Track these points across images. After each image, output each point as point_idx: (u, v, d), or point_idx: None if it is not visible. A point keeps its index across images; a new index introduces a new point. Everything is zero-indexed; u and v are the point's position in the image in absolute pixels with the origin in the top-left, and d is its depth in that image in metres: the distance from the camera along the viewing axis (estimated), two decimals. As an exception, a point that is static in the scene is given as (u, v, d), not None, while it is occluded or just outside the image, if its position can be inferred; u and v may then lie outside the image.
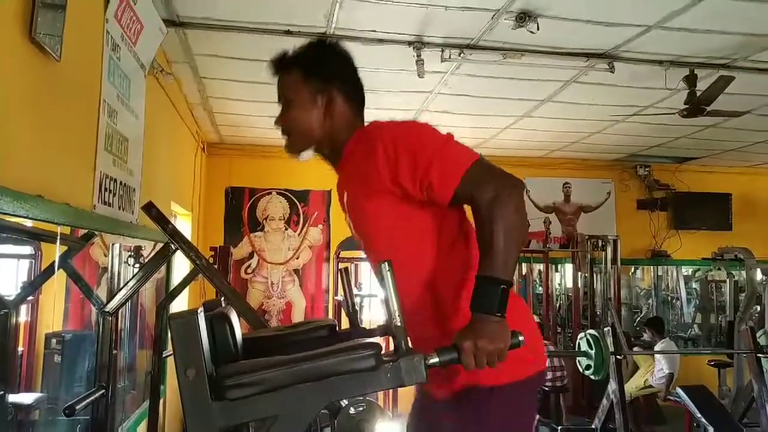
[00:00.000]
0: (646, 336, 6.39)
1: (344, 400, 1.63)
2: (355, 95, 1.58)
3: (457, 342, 1.21)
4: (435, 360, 1.18)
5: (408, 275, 1.37)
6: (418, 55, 3.67)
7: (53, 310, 2.82)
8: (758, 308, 6.70)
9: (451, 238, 1.45)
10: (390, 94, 4.64)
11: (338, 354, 1.12)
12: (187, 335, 1.06)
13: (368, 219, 1.48)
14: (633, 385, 6.01)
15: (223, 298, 2.06)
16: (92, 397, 2.28)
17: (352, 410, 1.57)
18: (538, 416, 5.85)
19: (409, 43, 3.64)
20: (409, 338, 1.17)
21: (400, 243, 1.44)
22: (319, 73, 1.53)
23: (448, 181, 1.34)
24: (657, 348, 6.05)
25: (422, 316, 1.42)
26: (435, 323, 1.43)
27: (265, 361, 1.12)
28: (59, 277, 2.63)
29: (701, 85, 4.05)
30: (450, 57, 3.76)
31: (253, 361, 1.13)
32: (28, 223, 1.97)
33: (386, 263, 1.15)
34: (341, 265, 6.04)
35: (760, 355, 4.50)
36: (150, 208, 2.37)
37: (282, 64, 1.57)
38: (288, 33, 3.50)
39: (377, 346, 1.14)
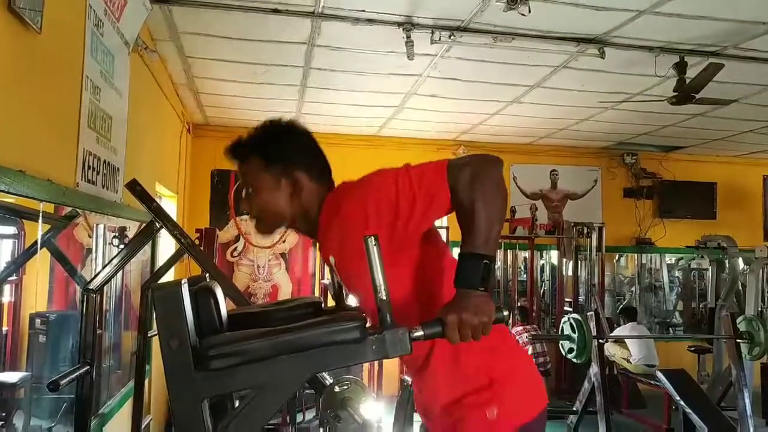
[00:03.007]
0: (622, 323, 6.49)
1: (329, 378, 1.63)
2: (319, 170, 1.54)
3: (442, 316, 1.21)
4: (419, 333, 1.18)
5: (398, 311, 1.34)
6: (408, 37, 3.64)
7: (37, 291, 2.80)
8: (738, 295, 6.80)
9: (441, 268, 1.44)
10: (378, 77, 4.61)
11: (323, 326, 1.11)
12: (170, 306, 1.05)
13: (360, 279, 1.37)
14: (619, 355, 6.12)
15: (208, 276, 2.05)
16: (76, 373, 2.27)
17: (337, 388, 1.56)
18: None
19: (399, 24, 3.61)
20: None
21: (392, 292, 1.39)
22: (279, 157, 1.50)
23: (440, 189, 1.32)
24: (621, 331, 6.13)
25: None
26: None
27: (249, 333, 1.11)
28: (43, 258, 2.61)
29: (691, 73, 4.07)
30: (440, 39, 3.73)
31: (237, 333, 1.13)
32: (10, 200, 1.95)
33: (372, 237, 1.15)
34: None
35: (739, 340, 4.58)
36: (134, 186, 2.36)
37: (240, 153, 1.55)
38: (275, 11, 3.46)
39: (362, 318, 1.14)
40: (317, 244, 1.62)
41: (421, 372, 1.48)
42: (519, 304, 6.72)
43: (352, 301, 1.59)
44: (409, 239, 1.39)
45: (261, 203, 1.51)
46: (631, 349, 6.00)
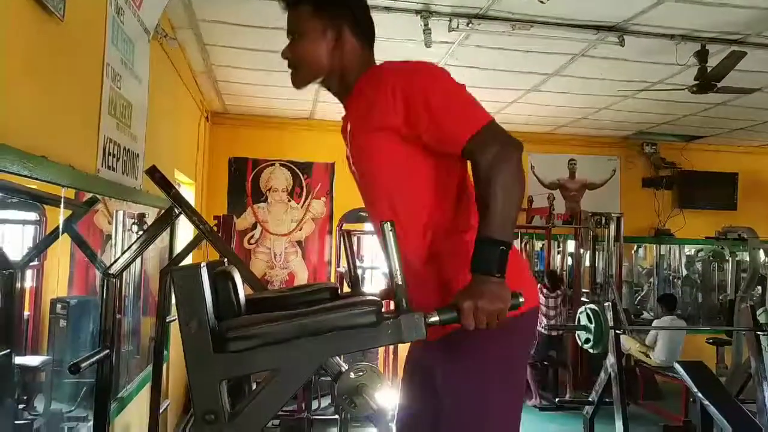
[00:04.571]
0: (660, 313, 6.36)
1: (344, 365, 1.64)
2: (365, 32, 1.57)
3: (457, 302, 1.21)
4: (435, 319, 1.19)
5: (405, 220, 1.40)
6: (426, 25, 3.63)
7: (58, 276, 2.85)
8: (759, 288, 6.70)
9: (451, 192, 1.45)
10: (396, 65, 4.58)
11: (340, 309, 1.12)
12: (190, 288, 1.06)
13: (368, 153, 1.48)
14: (635, 348, 6.07)
15: (226, 261, 2.07)
16: (96, 357, 2.31)
17: (352, 375, 1.57)
18: (539, 391, 5.95)
19: (417, 12, 3.59)
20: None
21: (398, 184, 1.44)
22: (329, 6, 1.52)
23: (462, 132, 1.34)
24: (655, 324, 6.07)
25: (416, 267, 1.42)
26: (431, 276, 1.43)
27: (267, 316, 1.12)
28: (63, 243, 2.65)
29: (712, 61, 4.00)
30: (458, 27, 3.71)
31: (255, 316, 1.14)
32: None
33: (388, 223, 1.15)
34: (344, 227, 6.02)
35: (759, 332, 4.52)
36: (153, 172, 2.38)
37: None
38: (294, -1, 3.45)
39: (378, 302, 1.14)
40: (333, 231, 1.63)
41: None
42: (549, 269, 6.69)
43: (367, 288, 1.60)
44: (421, 142, 1.41)
45: (302, 51, 1.53)
46: (657, 344, 5.86)
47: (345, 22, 1.51)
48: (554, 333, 6.08)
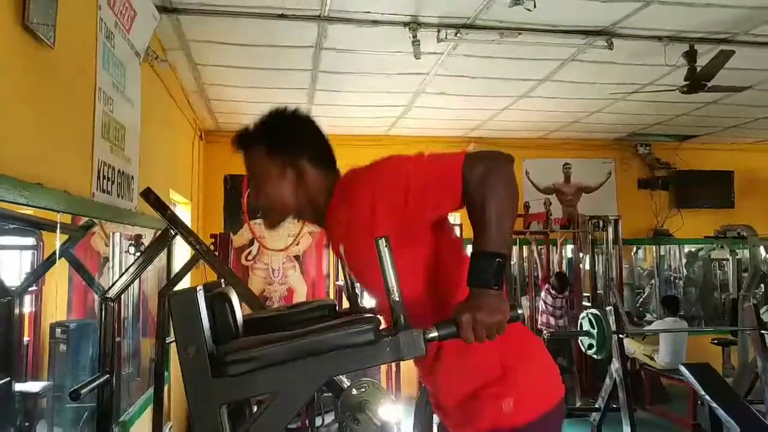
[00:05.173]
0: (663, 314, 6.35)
1: (347, 381, 1.63)
2: (324, 158, 1.53)
3: (456, 316, 1.20)
4: (434, 334, 1.18)
5: (418, 298, 1.35)
6: (414, 36, 3.64)
7: (56, 300, 2.84)
8: (762, 287, 6.70)
9: (452, 261, 1.43)
10: (386, 77, 4.61)
11: (337, 329, 1.12)
12: (187, 312, 1.06)
13: (373, 262, 1.32)
14: (640, 351, 6.05)
15: (223, 281, 2.07)
16: (97, 382, 2.30)
17: (354, 391, 1.57)
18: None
19: (405, 24, 3.61)
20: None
21: (410, 273, 1.36)
22: (283, 146, 1.49)
23: (452, 173, 1.31)
24: (656, 325, 6.05)
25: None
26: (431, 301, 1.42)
27: (265, 337, 1.12)
28: (61, 267, 2.64)
29: (701, 61, 4.03)
30: (446, 37, 3.73)
31: (253, 338, 1.13)
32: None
33: (383, 239, 1.15)
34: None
35: (764, 331, 4.50)
36: (148, 194, 2.38)
37: (245, 142, 1.54)
38: (282, 17, 3.47)
39: (376, 320, 1.14)
40: (330, 244, 1.62)
41: (432, 368, 1.47)
42: (557, 271, 6.68)
43: (367, 302, 1.60)
44: (419, 224, 1.37)
45: (266, 194, 1.51)
46: (660, 346, 5.86)
47: (302, 156, 1.48)
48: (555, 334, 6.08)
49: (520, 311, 1.25)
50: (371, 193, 1.36)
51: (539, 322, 6.29)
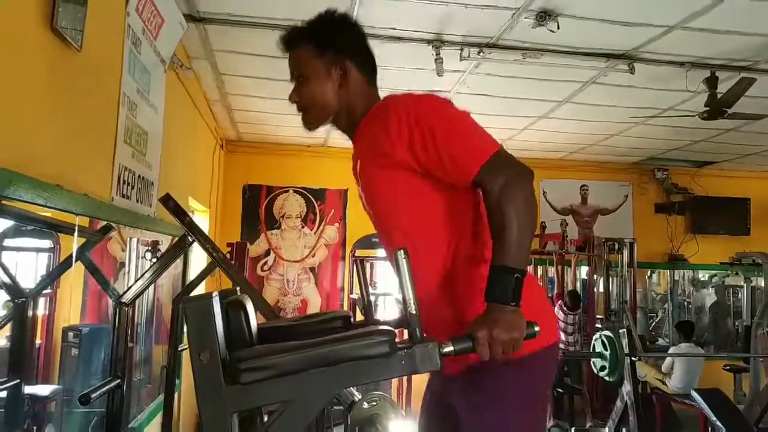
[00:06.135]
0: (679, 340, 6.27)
1: (358, 395, 1.62)
2: (368, 65, 1.57)
3: (472, 332, 1.20)
4: (449, 349, 1.17)
5: (422, 255, 1.38)
6: (437, 54, 3.67)
7: (70, 304, 2.85)
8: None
9: (467, 224, 1.44)
10: (407, 93, 4.62)
11: (352, 340, 1.11)
12: (201, 318, 1.06)
13: (379, 189, 1.47)
14: (651, 375, 5.97)
15: (239, 290, 2.07)
16: (107, 387, 2.30)
17: (365, 405, 1.56)
18: (553, 419, 5.86)
19: (428, 42, 3.63)
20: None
21: (412, 219, 1.43)
22: (331, 45, 1.52)
23: (470, 163, 1.33)
24: (672, 350, 5.98)
25: (433, 297, 1.41)
26: (446, 304, 1.42)
27: (279, 346, 1.12)
28: (77, 271, 2.65)
29: (722, 88, 4.00)
30: (469, 56, 3.74)
31: (267, 346, 1.13)
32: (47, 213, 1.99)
33: (402, 251, 1.14)
34: (357, 253, 6.02)
35: (777, 360, 4.44)
36: (167, 200, 2.40)
37: (293, 40, 1.56)
38: (307, 30, 3.50)
39: (392, 332, 1.13)
40: (346, 257, 1.63)
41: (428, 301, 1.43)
42: (570, 289, 6.63)
43: (380, 316, 1.59)
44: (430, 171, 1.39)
45: (309, 92, 1.53)
46: (674, 370, 5.78)
47: (348, 57, 1.52)
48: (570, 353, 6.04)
49: (536, 328, 1.24)
50: (400, 123, 1.37)
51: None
